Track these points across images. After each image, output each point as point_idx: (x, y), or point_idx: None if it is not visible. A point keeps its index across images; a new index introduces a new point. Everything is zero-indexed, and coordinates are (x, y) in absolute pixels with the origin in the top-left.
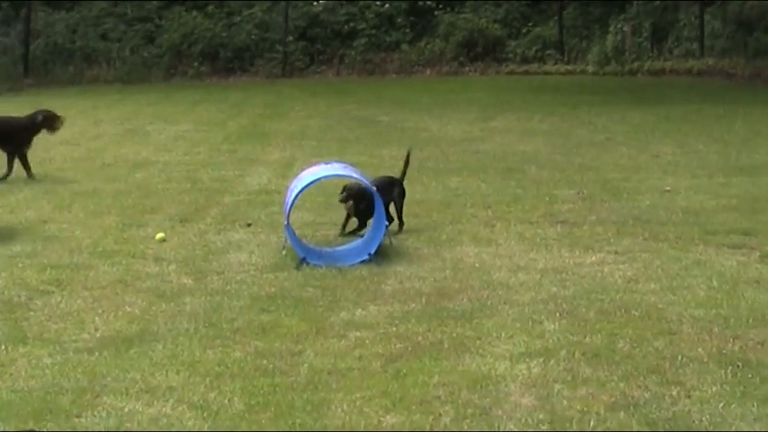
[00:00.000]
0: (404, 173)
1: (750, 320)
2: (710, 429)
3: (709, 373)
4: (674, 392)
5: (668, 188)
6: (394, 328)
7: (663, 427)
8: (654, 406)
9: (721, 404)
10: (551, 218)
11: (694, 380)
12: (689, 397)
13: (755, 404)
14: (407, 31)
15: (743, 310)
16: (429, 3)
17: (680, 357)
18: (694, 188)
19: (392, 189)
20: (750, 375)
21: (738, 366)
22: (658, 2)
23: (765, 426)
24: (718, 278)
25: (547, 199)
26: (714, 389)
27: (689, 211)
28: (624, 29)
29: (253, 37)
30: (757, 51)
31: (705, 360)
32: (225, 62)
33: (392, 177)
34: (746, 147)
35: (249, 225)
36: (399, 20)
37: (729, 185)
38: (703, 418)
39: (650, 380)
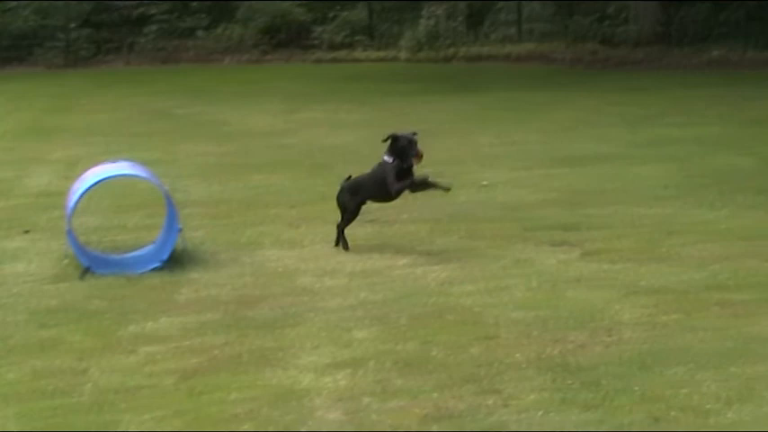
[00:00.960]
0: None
1: (570, 322)
2: None
3: (527, 379)
4: (491, 402)
5: (486, 182)
6: (188, 342)
7: None
8: (469, 417)
9: (540, 412)
10: (361, 217)
11: (512, 387)
12: (506, 406)
13: (576, 411)
14: (203, 16)
15: (563, 311)
16: None
17: (497, 364)
18: (513, 182)
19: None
20: (570, 381)
21: (558, 371)
22: None
23: None
24: (537, 278)
25: None
26: (533, 396)
27: (507, 206)
28: (438, 12)
29: (31, 23)
30: (578, 35)
31: (524, 366)
32: (0, 52)
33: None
34: (568, 136)
35: (27, 232)
36: (194, 4)
37: (550, 178)
38: (521, 428)
39: (466, 389)
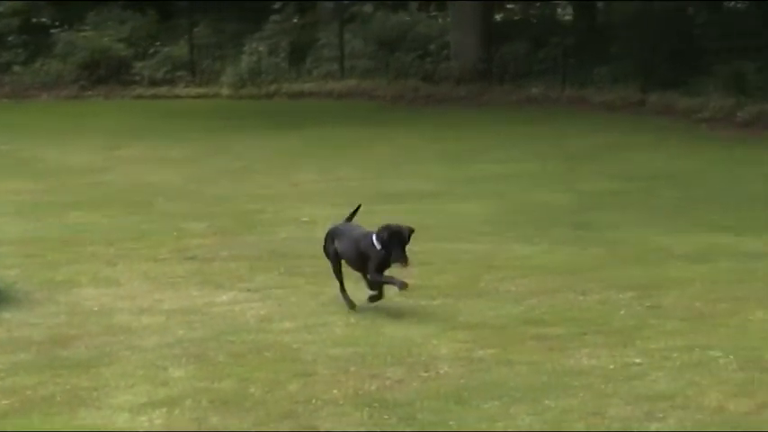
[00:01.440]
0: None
1: (388, 358)
2: None
3: (344, 415)
4: None
5: (306, 218)
6: None
7: None
8: None
9: None
10: (180, 254)
11: (330, 424)
12: None
13: None
14: (20, 50)
15: (381, 347)
16: (44, 20)
17: (315, 400)
18: (334, 218)
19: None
20: (387, 416)
21: (375, 407)
22: (295, 20)
23: None
24: (356, 314)
25: (175, 234)
26: None
27: None
28: (260, 49)
29: None
30: (399, 72)
31: (341, 402)
32: None
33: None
34: (389, 172)
35: None
36: (11, 38)
37: (371, 214)
38: None
39: (284, 426)
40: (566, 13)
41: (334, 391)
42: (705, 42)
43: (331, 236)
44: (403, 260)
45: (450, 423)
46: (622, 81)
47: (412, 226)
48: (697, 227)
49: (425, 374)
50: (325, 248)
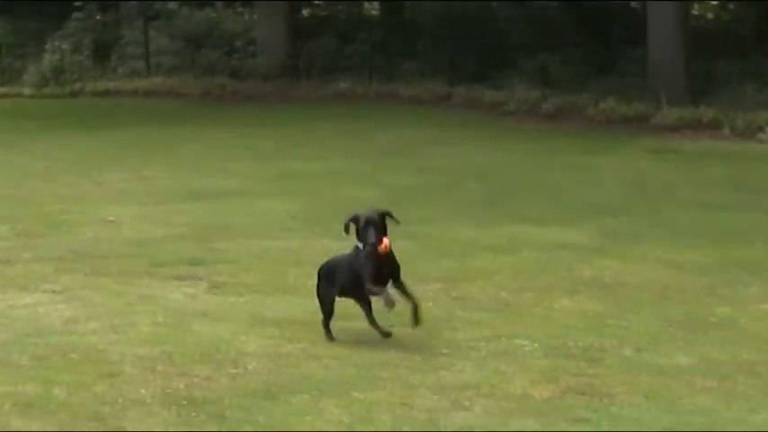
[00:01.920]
0: None
1: (196, 356)
2: None
3: (152, 415)
4: None
5: (112, 218)
6: None
7: None
8: None
9: None
10: None
11: (137, 424)
12: None
13: None
14: None
15: (189, 345)
16: None
17: (121, 401)
18: (141, 217)
19: None
20: (195, 414)
21: (183, 405)
22: (98, 17)
23: None
24: (164, 313)
25: None
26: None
27: (134, 242)
28: (63, 47)
29: None
30: (207, 69)
31: (149, 401)
32: None
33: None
34: (197, 171)
35: None
36: None
37: (179, 213)
38: None
39: (89, 427)
40: (373, 9)
41: (142, 391)
42: (510, 38)
43: (327, 276)
44: (380, 242)
45: (259, 419)
46: (430, 75)
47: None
48: (502, 218)
49: (234, 371)
50: (323, 292)
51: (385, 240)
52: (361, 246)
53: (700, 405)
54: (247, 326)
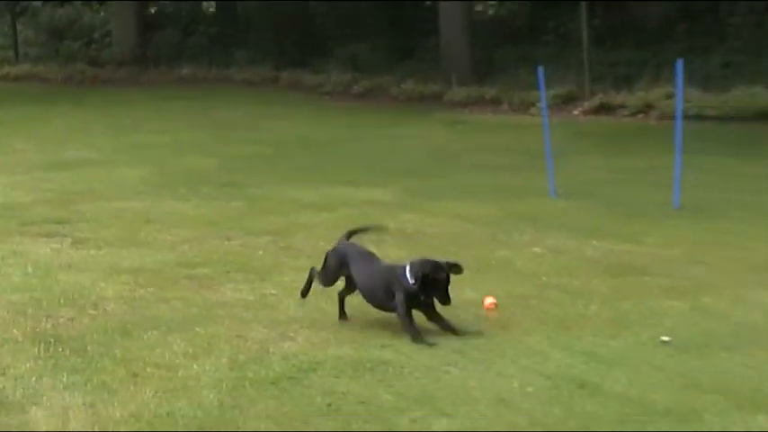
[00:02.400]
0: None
1: (62, 300)
2: (24, 401)
3: (23, 351)
4: None
5: None
6: None
7: None
8: None
9: (34, 378)
10: None
11: (10, 359)
12: (4, 374)
13: (65, 374)
14: None
15: (56, 292)
16: None
17: None
18: (12, 185)
19: None
20: (61, 349)
21: (50, 342)
22: None
23: (74, 393)
24: (33, 265)
25: None
26: (28, 365)
27: (6, 206)
28: None
29: None
30: (68, 57)
31: (20, 340)
32: None
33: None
34: (62, 145)
35: None
36: None
37: (46, 181)
38: (17, 392)
39: None
40: (210, 7)
41: (14, 331)
42: (326, 30)
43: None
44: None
45: (116, 352)
46: (260, 62)
47: (455, 261)
48: (322, 181)
49: (94, 312)
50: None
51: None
52: (412, 280)
53: (484, 333)
54: (106, 274)
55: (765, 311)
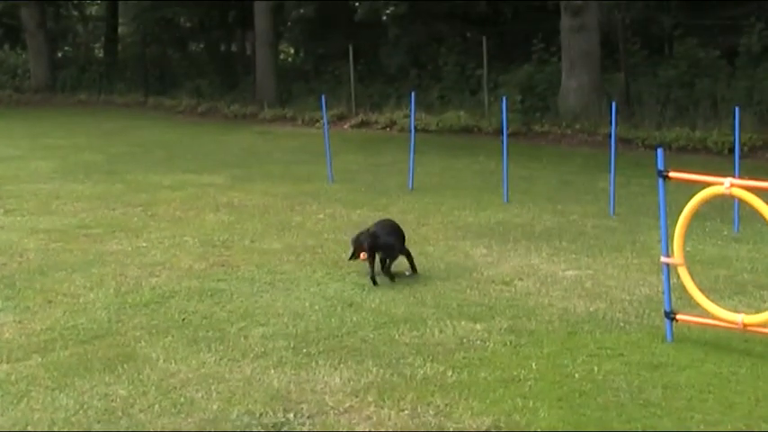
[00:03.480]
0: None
1: None
2: None
3: None
4: None
5: None
6: None
7: None
8: None
9: None
10: None
11: None
12: None
13: (1, 302)
14: None
15: None
16: None
17: None
18: None
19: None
20: None
21: None
22: None
23: (7, 313)
24: None
25: None
26: None
27: None
28: None
29: None
30: (0, 85)
31: None
32: None
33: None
34: None
35: None
36: None
37: None
38: None
39: None
40: (99, 52)
41: None
42: (179, 69)
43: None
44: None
45: (36, 285)
46: (133, 90)
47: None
48: (176, 170)
49: (20, 259)
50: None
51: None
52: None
53: (286, 271)
54: (27, 233)
55: (465, 255)
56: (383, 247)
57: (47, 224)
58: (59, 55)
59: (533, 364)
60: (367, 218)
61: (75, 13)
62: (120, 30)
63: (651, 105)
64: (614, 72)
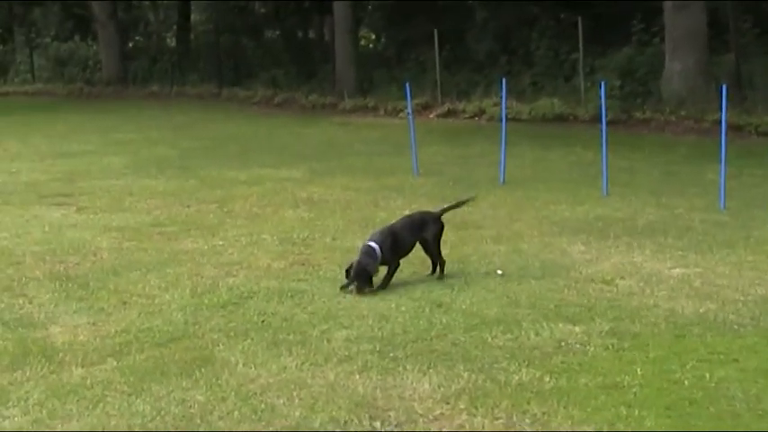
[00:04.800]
0: (447, 209)
1: (70, 250)
2: (45, 321)
3: (43, 286)
4: (21, 301)
5: (15, 170)
6: None
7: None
8: (8, 312)
9: (52, 305)
10: None
11: (34, 292)
12: (30, 303)
13: (74, 302)
14: None
15: (65, 244)
16: None
17: (24, 279)
18: (32, 169)
19: (423, 227)
20: (70, 285)
21: (63, 280)
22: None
23: (81, 315)
24: (48, 225)
25: None
26: (47, 296)
27: (29, 183)
28: None
29: None
30: (70, 78)
31: (41, 278)
32: None
33: (426, 214)
34: (65, 140)
35: None
36: None
37: (55, 165)
38: (41, 315)
39: (5, 297)
40: (171, 42)
41: (36, 272)
42: (254, 59)
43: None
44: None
45: (110, 286)
46: (207, 82)
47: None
48: (251, 164)
49: (93, 258)
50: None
51: None
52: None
53: None
54: (100, 231)
55: (562, 252)
56: (355, 273)
57: (120, 222)
58: (130, 45)
59: (638, 370)
60: (455, 213)
61: (147, 1)
62: (192, 18)
63: (764, 89)
64: (723, 53)
